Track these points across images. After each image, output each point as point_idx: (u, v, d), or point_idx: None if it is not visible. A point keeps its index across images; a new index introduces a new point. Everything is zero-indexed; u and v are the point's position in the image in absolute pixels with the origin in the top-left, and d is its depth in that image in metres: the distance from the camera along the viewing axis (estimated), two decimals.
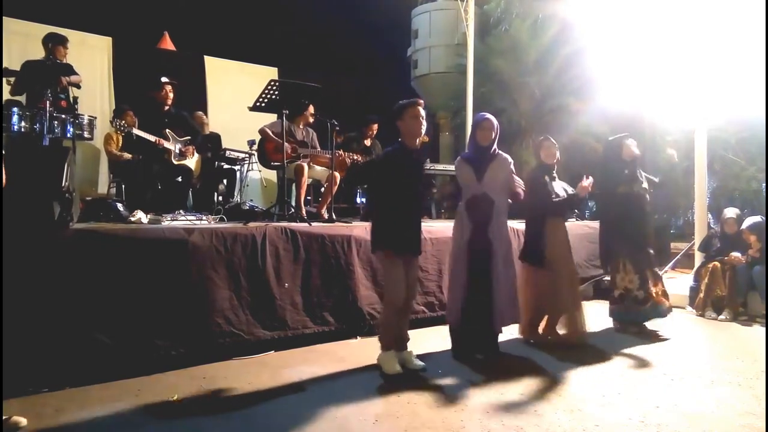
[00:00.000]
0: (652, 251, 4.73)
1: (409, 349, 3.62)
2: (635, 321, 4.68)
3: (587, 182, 4.29)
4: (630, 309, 4.66)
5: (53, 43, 5.23)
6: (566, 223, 4.50)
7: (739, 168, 9.94)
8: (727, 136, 9.49)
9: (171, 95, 5.37)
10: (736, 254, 5.51)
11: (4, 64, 5.44)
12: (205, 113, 6.95)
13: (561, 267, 4.21)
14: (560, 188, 4.37)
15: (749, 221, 5.74)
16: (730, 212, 5.99)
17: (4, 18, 6.46)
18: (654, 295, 4.60)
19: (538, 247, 4.26)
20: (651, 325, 4.70)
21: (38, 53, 5.32)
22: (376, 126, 6.53)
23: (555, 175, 4.37)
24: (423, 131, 3.54)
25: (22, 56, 5.77)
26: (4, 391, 2.84)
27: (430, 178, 8.55)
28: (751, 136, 9.14)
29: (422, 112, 3.53)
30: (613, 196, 4.70)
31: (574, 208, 4.42)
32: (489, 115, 3.92)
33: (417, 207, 3.63)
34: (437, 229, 5.00)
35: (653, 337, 4.49)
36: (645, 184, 4.74)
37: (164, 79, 5.32)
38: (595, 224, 6.62)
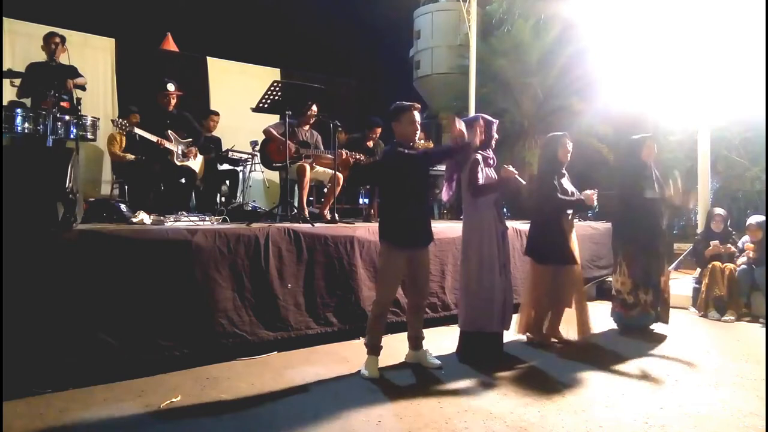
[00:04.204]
0: (660, 256, 4.70)
1: (424, 348, 3.65)
2: (626, 325, 4.68)
3: (592, 192, 4.19)
4: (616, 310, 4.73)
5: (53, 42, 5.23)
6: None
7: (742, 168, 9.92)
8: (730, 136, 9.47)
9: (174, 101, 5.41)
10: (715, 242, 5.65)
11: (9, 65, 5.46)
12: (207, 114, 6.96)
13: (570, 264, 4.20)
14: (570, 187, 4.35)
15: (753, 219, 5.74)
16: (719, 210, 6.08)
17: (8, 19, 6.49)
18: (642, 302, 4.59)
19: (558, 246, 4.17)
20: (655, 326, 4.70)
21: (42, 54, 5.32)
22: (379, 129, 6.53)
23: (564, 172, 4.34)
24: (417, 135, 3.53)
25: (26, 57, 5.79)
26: (8, 391, 2.85)
27: (432, 179, 8.54)
28: (755, 136, 9.12)
29: (418, 117, 3.52)
30: (629, 196, 4.67)
31: (578, 212, 4.41)
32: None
33: (420, 202, 3.57)
34: (440, 229, 4.99)
35: (656, 339, 4.48)
36: (658, 186, 4.72)
37: (171, 87, 5.33)
38: (599, 225, 6.64)
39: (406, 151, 3.46)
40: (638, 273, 4.59)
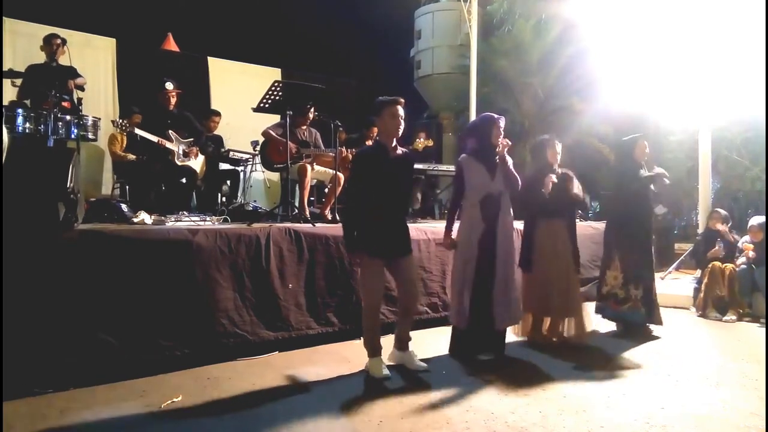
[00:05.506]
0: (651, 254, 4.72)
1: (410, 350, 3.61)
2: (614, 319, 4.74)
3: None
4: (609, 306, 4.72)
5: (54, 43, 5.23)
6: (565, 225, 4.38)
7: (743, 168, 9.90)
8: (731, 136, 9.46)
9: (173, 100, 5.42)
10: (717, 248, 5.66)
11: (10, 65, 5.45)
12: (208, 114, 6.96)
13: (553, 269, 4.18)
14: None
15: (754, 220, 5.74)
16: (717, 209, 6.14)
17: (10, 19, 6.49)
18: (632, 297, 4.60)
19: (525, 250, 4.29)
20: (652, 326, 4.70)
21: (42, 55, 5.32)
22: (376, 128, 6.53)
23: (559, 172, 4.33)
24: (400, 131, 3.40)
25: (27, 58, 5.79)
26: (9, 391, 2.85)
27: (431, 178, 8.54)
28: (756, 136, 9.10)
29: (401, 112, 3.40)
30: (623, 195, 4.71)
31: (577, 208, 4.37)
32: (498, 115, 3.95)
33: (396, 208, 3.48)
34: (441, 229, 4.97)
35: (656, 340, 4.48)
36: (653, 185, 4.74)
37: (169, 87, 5.33)
38: (599, 225, 6.63)
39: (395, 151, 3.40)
40: (630, 268, 4.61)
